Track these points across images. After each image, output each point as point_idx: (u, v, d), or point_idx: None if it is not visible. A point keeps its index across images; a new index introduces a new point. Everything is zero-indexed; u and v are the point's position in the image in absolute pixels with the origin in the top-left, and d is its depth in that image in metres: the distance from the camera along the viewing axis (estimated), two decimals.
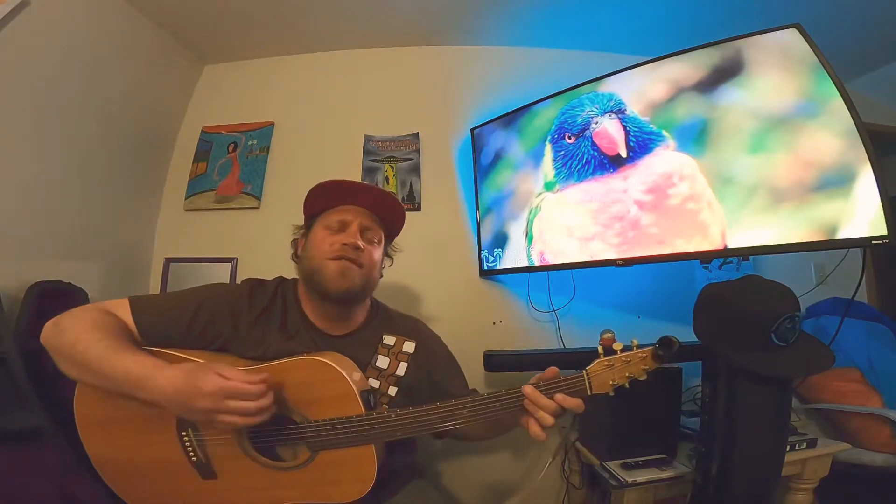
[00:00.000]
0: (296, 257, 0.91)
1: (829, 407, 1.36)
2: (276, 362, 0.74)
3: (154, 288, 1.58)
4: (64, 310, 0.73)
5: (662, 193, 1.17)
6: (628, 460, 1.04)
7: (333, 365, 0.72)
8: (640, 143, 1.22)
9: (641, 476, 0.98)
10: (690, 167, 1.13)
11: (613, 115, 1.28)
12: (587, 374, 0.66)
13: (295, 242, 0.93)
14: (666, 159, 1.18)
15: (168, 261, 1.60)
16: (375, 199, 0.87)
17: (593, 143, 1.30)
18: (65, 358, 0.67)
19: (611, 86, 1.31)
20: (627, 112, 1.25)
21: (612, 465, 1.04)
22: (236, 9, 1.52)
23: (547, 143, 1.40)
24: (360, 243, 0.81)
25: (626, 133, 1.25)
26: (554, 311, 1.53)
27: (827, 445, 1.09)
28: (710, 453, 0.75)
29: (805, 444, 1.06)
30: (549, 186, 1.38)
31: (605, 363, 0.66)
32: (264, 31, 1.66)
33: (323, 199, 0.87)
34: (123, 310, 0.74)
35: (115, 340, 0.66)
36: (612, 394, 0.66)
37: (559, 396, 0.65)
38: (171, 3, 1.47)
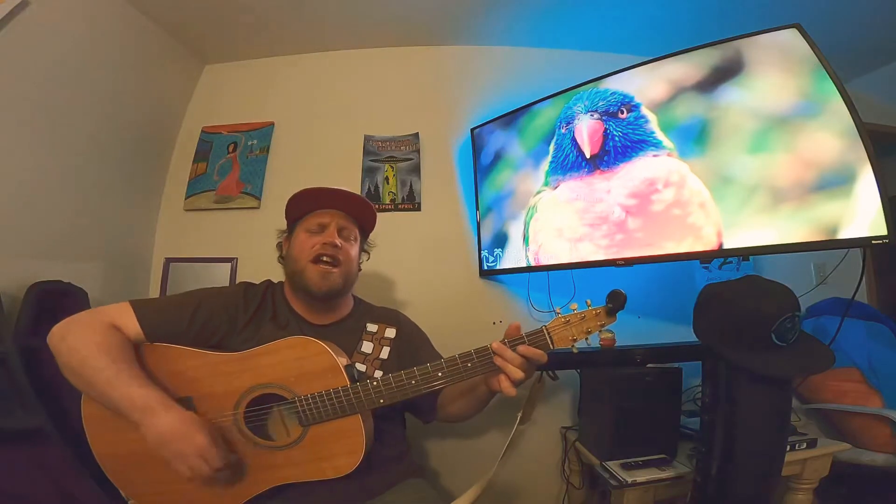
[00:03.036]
0: (281, 259, 0.98)
1: (829, 407, 1.36)
2: (265, 345, 0.78)
3: (154, 288, 1.58)
4: (64, 310, 0.74)
5: (646, 199, 1.18)
6: (628, 460, 1.04)
7: (317, 341, 0.76)
8: (620, 150, 1.24)
9: (641, 476, 0.98)
10: (679, 174, 1.14)
11: (596, 116, 1.28)
12: (547, 331, 0.71)
13: (280, 245, 1.00)
14: (650, 165, 1.18)
15: (168, 261, 1.60)
16: (349, 201, 0.95)
17: (573, 139, 1.32)
18: (71, 374, 0.72)
19: (623, 84, 1.29)
20: (624, 115, 1.24)
21: (612, 465, 1.04)
22: (237, 9, 1.52)
23: (557, 129, 1.41)
24: (338, 241, 0.89)
25: (605, 137, 1.26)
26: (554, 311, 1.52)
27: (827, 445, 1.09)
28: (710, 453, 0.74)
29: (805, 444, 1.06)
30: (547, 175, 1.39)
31: (563, 320, 0.71)
32: (264, 31, 1.66)
33: (302, 205, 0.94)
34: (127, 315, 0.77)
35: (123, 366, 0.70)
36: (575, 350, 0.72)
37: (521, 348, 0.70)
38: (172, 3, 1.47)
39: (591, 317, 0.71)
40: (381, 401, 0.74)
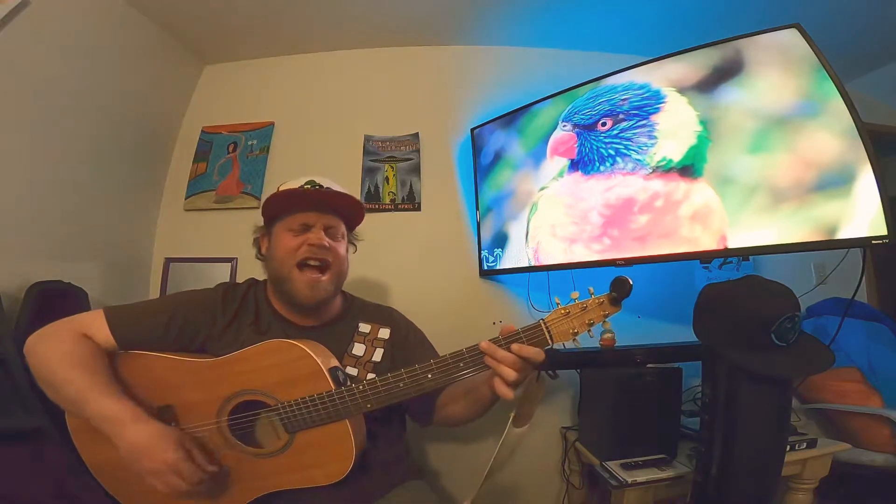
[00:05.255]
0: (260, 255, 0.93)
1: (829, 407, 1.36)
2: (245, 349, 0.75)
3: (154, 288, 1.58)
4: (64, 310, 0.74)
5: (622, 218, 1.20)
6: (628, 460, 1.04)
7: (299, 345, 0.73)
8: (586, 160, 1.27)
9: (641, 476, 0.98)
10: (667, 201, 1.13)
11: (567, 126, 1.33)
12: (545, 324, 0.66)
13: (257, 241, 0.94)
14: (625, 184, 1.20)
15: (168, 261, 1.60)
16: (337, 203, 0.87)
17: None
18: (43, 384, 0.72)
19: (653, 78, 1.26)
20: (606, 127, 1.25)
21: (612, 465, 1.03)
22: (236, 9, 1.52)
23: None
24: (326, 242, 0.83)
25: (575, 147, 1.31)
26: (553, 302, 1.52)
27: (827, 445, 1.09)
28: (710, 453, 0.74)
29: (805, 444, 1.06)
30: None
31: (562, 311, 0.66)
32: (264, 31, 1.66)
33: (284, 204, 0.86)
34: (100, 323, 0.75)
35: (90, 379, 0.69)
36: (577, 344, 0.67)
37: (515, 346, 0.65)
38: (172, 3, 1.47)
39: (593, 306, 0.65)
40: (369, 405, 0.71)
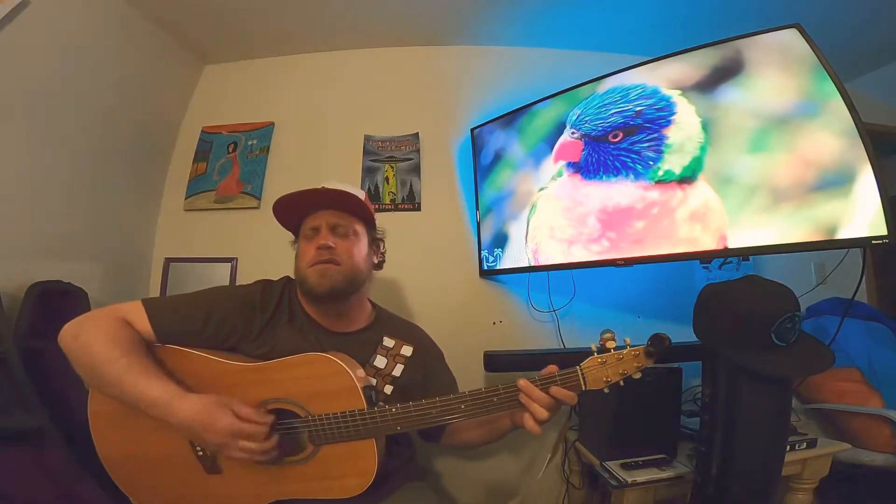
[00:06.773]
0: None
1: (829, 407, 1.36)
2: (282, 359, 0.76)
3: (154, 288, 1.58)
4: (64, 310, 0.74)
5: (620, 222, 1.20)
6: (628, 460, 1.04)
7: (337, 360, 0.74)
8: (590, 167, 1.27)
9: (641, 476, 0.98)
10: (664, 207, 1.13)
11: (576, 133, 1.31)
12: (581, 371, 0.68)
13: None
14: (624, 193, 1.19)
15: (168, 261, 1.60)
16: (331, 197, 0.88)
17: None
18: (83, 369, 0.71)
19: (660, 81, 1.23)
20: (618, 139, 1.23)
21: (612, 465, 1.03)
22: (237, 9, 1.52)
23: None
24: (330, 242, 0.84)
25: (581, 154, 1.29)
26: (554, 311, 1.53)
27: (827, 445, 1.09)
28: (710, 453, 0.75)
29: (805, 444, 1.06)
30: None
31: (599, 360, 0.68)
32: (264, 31, 1.66)
33: (291, 212, 0.89)
34: (139, 314, 0.76)
35: (133, 359, 0.69)
36: (606, 391, 0.69)
37: (554, 389, 0.68)
38: (172, 3, 1.47)
39: (629, 358, 0.66)
40: (399, 428, 0.72)
